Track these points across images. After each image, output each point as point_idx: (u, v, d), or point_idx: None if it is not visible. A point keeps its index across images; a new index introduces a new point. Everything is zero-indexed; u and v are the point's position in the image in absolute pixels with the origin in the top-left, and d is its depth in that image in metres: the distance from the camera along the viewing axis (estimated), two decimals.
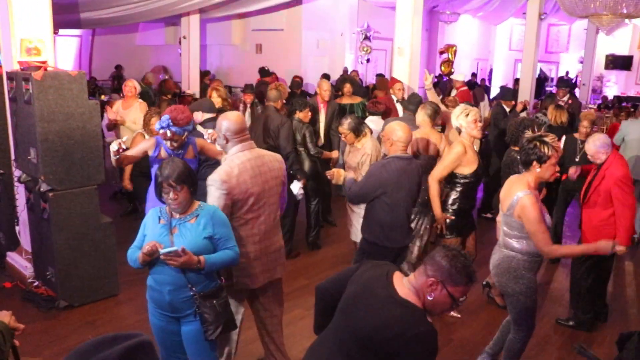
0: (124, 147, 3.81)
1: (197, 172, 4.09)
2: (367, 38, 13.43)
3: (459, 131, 4.51)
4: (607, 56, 18.24)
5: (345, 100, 7.69)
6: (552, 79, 19.55)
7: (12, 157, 4.99)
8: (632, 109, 10.21)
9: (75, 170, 4.52)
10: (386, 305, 2.15)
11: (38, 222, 4.71)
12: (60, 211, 4.49)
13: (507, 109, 7.51)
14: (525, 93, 10.94)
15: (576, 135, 5.98)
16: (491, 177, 7.17)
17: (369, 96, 8.81)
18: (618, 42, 17.78)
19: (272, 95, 5.92)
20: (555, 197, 6.15)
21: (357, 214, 4.92)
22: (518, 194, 3.30)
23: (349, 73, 12.14)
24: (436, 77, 15.01)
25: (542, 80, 17.95)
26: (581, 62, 17.07)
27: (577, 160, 5.71)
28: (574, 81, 17.58)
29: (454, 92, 9.31)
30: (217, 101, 6.12)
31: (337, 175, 4.51)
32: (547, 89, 18.33)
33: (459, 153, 4.33)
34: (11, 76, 4.62)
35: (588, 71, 15.94)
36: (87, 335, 4.06)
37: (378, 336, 2.11)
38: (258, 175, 3.23)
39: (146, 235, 2.91)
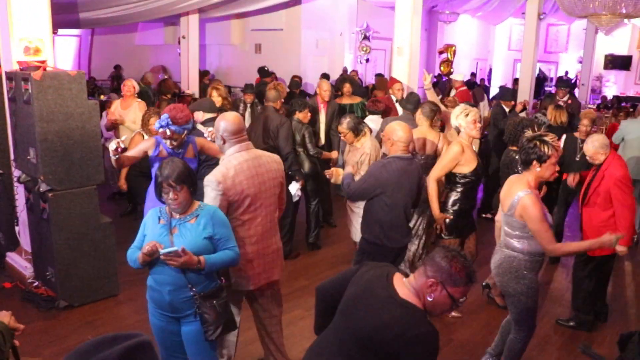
0: (122, 145, 3.79)
1: (197, 172, 4.09)
2: (366, 38, 13.44)
3: (458, 131, 4.51)
4: (606, 56, 18.24)
5: (345, 100, 7.69)
6: (551, 79, 19.56)
7: (12, 157, 4.99)
8: (631, 109, 10.21)
9: (74, 170, 4.51)
10: (386, 305, 2.15)
11: (38, 222, 4.70)
12: (59, 211, 4.49)
13: (507, 109, 7.51)
14: (525, 93, 10.94)
15: (576, 134, 5.98)
16: (490, 177, 7.17)
17: (368, 96, 8.81)
18: (617, 42, 17.79)
19: (271, 95, 5.92)
20: (556, 196, 6.15)
21: (357, 214, 4.92)
22: (519, 193, 3.29)
23: (348, 73, 12.14)
24: (435, 77, 15.02)
25: (541, 80, 17.95)
26: (580, 62, 17.08)
27: (577, 159, 5.71)
28: (573, 81, 17.58)
29: (453, 92, 9.31)
30: (217, 100, 6.13)
31: (335, 174, 4.51)
32: (546, 88, 18.34)
33: (456, 153, 4.34)
34: (10, 76, 4.61)
35: (587, 71, 15.95)
36: (87, 336, 4.05)
37: (378, 337, 2.11)
38: (255, 176, 3.23)
39: (146, 236, 2.90)
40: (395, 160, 3.92)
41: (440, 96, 9.05)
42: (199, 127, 4.95)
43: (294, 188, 5.24)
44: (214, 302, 2.91)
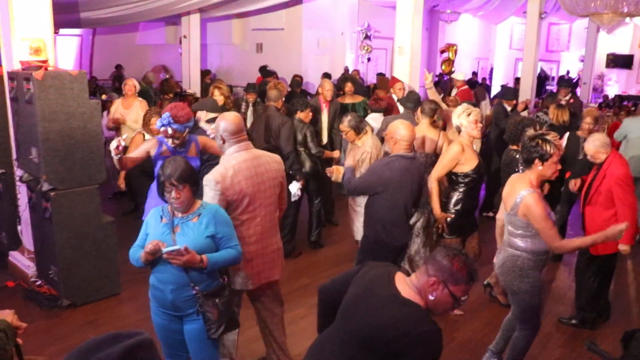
0: (123, 143, 3.79)
1: (200, 171, 4.09)
2: (367, 37, 13.42)
3: (459, 130, 4.51)
4: (608, 55, 18.21)
5: (347, 100, 7.69)
6: (552, 78, 19.53)
7: (14, 156, 4.99)
8: (632, 108, 10.20)
9: (76, 169, 4.52)
10: (389, 305, 2.15)
11: (40, 222, 4.71)
12: (61, 210, 4.50)
13: (509, 108, 7.50)
14: (526, 92, 10.93)
15: (579, 132, 5.96)
16: (492, 175, 7.16)
17: (370, 95, 8.81)
18: (619, 40, 17.76)
19: (272, 95, 5.92)
20: (558, 195, 6.14)
21: (359, 214, 4.92)
22: (522, 192, 3.29)
23: (350, 72, 12.13)
24: (437, 76, 15.01)
25: (542, 79, 17.93)
26: (582, 61, 17.05)
27: (580, 157, 5.70)
28: (575, 80, 17.56)
29: (454, 91, 9.30)
30: (219, 99, 6.12)
31: (336, 172, 4.51)
32: (548, 87, 18.31)
33: (456, 152, 4.34)
34: (12, 76, 4.62)
35: (589, 70, 15.92)
36: (89, 334, 4.06)
37: (380, 336, 2.10)
38: (254, 176, 3.23)
39: (148, 234, 2.90)
40: (398, 159, 3.93)
41: (442, 95, 9.04)
42: (203, 125, 4.96)
43: (294, 187, 5.24)
44: (217, 300, 2.91)
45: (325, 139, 6.91)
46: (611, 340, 4.36)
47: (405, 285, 2.20)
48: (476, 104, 7.92)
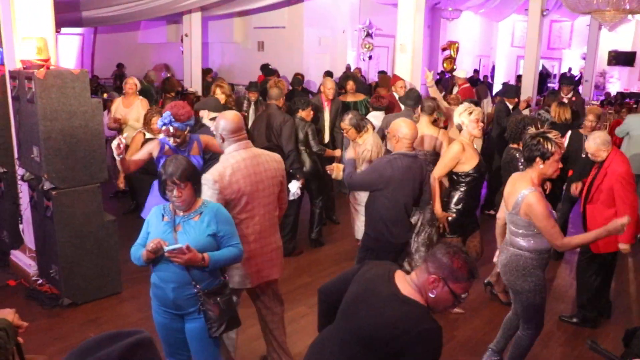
0: (124, 142, 3.80)
1: (203, 170, 4.10)
2: (369, 35, 13.41)
3: (460, 129, 4.51)
4: (609, 52, 18.16)
5: (349, 98, 7.68)
6: (554, 76, 19.49)
7: (16, 155, 5.00)
8: (634, 105, 10.18)
9: (78, 168, 4.52)
10: (389, 303, 2.15)
11: (41, 220, 4.72)
12: (63, 209, 4.50)
13: (510, 106, 7.49)
14: (528, 90, 10.91)
15: (582, 130, 5.94)
16: (494, 173, 7.16)
17: (371, 93, 8.80)
18: (621, 38, 17.70)
19: (273, 93, 5.92)
20: (560, 193, 6.14)
21: (361, 213, 4.93)
22: (523, 191, 3.29)
23: (351, 70, 12.12)
24: (438, 74, 14.99)
25: (544, 76, 17.90)
26: (584, 59, 17.02)
27: (583, 156, 5.69)
28: (577, 78, 17.53)
29: (456, 89, 9.29)
30: (221, 98, 6.14)
31: (336, 169, 4.51)
32: (549, 85, 18.28)
33: (457, 151, 4.34)
34: (14, 75, 4.63)
35: (591, 67, 15.89)
36: (90, 333, 4.06)
37: (381, 335, 2.10)
38: (252, 175, 3.23)
39: (150, 233, 2.91)
40: (400, 157, 3.93)
41: (443, 93, 9.04)
42: (207, 122, 4.96)
43: (294, 187, 5.24)
44: (218, 299, 2.91)
45: (327, 138, 6.91)
46: (612, 338, 4.36)
47: (406, 283, 2.20)
48: (478, 102, 7.94)
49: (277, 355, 3.61)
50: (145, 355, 1.41)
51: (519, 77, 13.87)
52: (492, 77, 19.09)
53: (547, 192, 4.43)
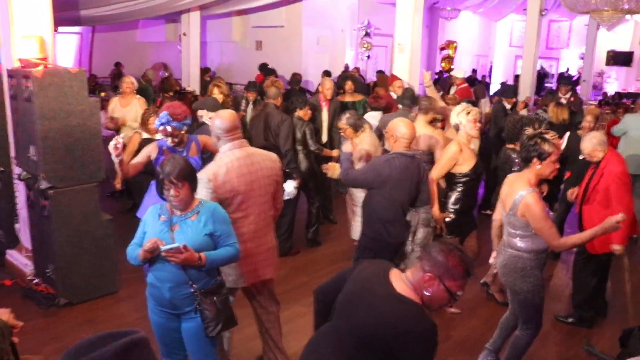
0: (121, 141, 3.78)
1: (201, 170, 4.10)
2: (367, 35, 13.42)
3: (457, 129, 4.51)
4: (608, 52, 18.19)
5: (347, 98, 7.68)
6: (552, 75, 19.51)
7: (12, 154, 4.99)
8: (631, 106, 10.19)
9: (75, 167, 4.52)
10: (384, 302, 2.15)
11: (38, 220, 4.71)
12: (60, 209, 4.49)
13: (508, 106, 7.49)
14: (526, 89, 10.92)
15: (580, 132, 5.94)
16: (491, 174, 7.16)
17: (369, 94, 8.81)
18: (619, 38, 17.74)
19: (272, 92, 5.92)
20: (557, 193, 6.14)
21: (358, 214, 4.92)
22: (520, 192, 3.29)
23: (350, 70, 12.12)
24: (436, 73, 15.00)
25: (542, 76, 17.92)
26: (582, 58, 17.04)
27: (581, 157, 5.69)
28: (575, 78, 17.55)
29: (453, 89, 9.29)
30: (218, 97, 6.13)
31: (332, 169, 4.51)
32: (547, 85, 18.29)
33: (454, 152, 4.35)
34: (11, 74, 4.62)
35: (589, 67, 15.91)
36: (87, 333, 4.04)
37: (377, 334, 2.11)
38: (247, 174, 3.22)
39: (146, 232, 2.90)
40: (398, 156, 3.93)
41: (441, 93, 9.04)
42: (207, 121, 4.95)
43: (290, 186, 5.23)
44: (214, 298, 2.91)
45: (325, 138, 6.91)
46: (608, 338, 4.37)
47: (401, 281, 2.20)
48: (475, 102, 7.93)
49: (273, 354, 3.61)
50: (141, 356, 1.41)
51: (517, 77, 13.88)
52: (490, 76, 19.11)
53: (544, 195, 4.42)
